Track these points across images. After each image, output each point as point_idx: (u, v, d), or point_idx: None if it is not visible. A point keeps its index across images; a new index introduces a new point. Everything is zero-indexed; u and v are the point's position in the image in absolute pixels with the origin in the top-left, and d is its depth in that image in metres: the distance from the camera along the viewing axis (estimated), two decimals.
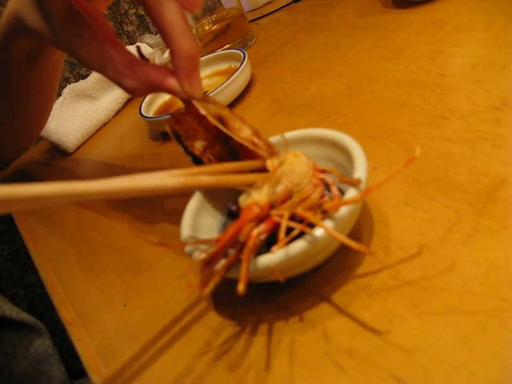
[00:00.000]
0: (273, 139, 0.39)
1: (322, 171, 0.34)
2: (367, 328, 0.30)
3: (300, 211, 0.30)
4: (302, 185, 0.32)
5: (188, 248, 0.33)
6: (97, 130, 0.85)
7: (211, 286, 0.28)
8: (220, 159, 0.39)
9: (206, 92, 0.39)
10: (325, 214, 0.30)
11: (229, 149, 0.39)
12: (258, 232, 0.29)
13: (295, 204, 0.31)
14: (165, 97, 0.72)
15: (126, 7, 1.02)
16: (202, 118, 0.37)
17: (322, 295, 0.33)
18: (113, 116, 0.87)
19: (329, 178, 0.33)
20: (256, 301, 0.35)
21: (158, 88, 0.38)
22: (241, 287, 0.27)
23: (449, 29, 0.54)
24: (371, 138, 0.44)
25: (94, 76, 0.86)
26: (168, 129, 0.38)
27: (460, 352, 0.26)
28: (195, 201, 0.39)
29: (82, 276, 0.51)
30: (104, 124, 0.86)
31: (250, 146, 0.36)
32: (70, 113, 0.84)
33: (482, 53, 0.48)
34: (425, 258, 0.32)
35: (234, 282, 0.29)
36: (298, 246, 0.29)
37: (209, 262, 0.29)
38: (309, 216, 0.29)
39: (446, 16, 0.57)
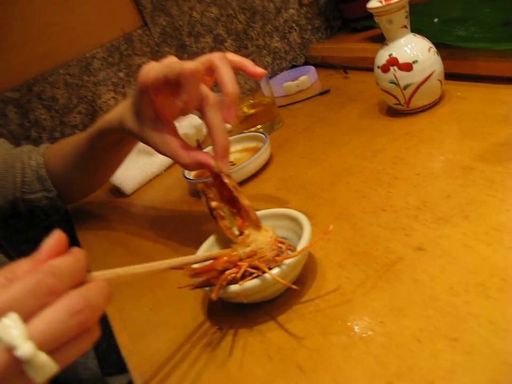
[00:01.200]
0: (260, 213, 0.60)
1: (281, 242, 0.54)
2: (291, 337, 0.49)
3: (256, 263, 0.50)
4: (264, 248, 0.52)
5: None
6: (151, 180, 1.07)
7: (216, 290, 0.50)
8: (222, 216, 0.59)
9: (233, 164, 0.61)
10: (275, 264, 0.50)
11: (232, 210, 0.59)
12: (230, 272, 0.50)
13: (254, 259, 0.51)
14: None
15: None
16: (222, 189, 0.58)
17: (273, 315, 0.52)
18: (164, 170, 1.09)
19: (283, 246, 0.53)
20: (230, 315, 0.55)
21: (202, 165, 0.59)
22: (213, 296, 0.49)
23: (415, 141, 0.73)
24: (335, 218, 0.64)
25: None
26: (200, 190, 0.60)
27: (336, 355, 0.44)
28: (204, 247, 0.60)
29: (121, 286, 0.71)
30: (157, 176, 1.08)
31: (250, 211, 0.56)
32: (132, 164, 1.06)
33: (427, 164, 0.67)
34: (338, 301, 0.51)
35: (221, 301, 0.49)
36: (253, 282, 0.50)
37: (194, 275, 0.52)
38: (261, 266, 0.49)
39: (417, 129, 0.76)
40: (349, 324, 0.47)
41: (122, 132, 0.69)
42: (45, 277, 0.35)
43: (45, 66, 1.13)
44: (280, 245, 0.53)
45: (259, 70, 0.65)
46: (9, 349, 0.32)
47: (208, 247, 0.60)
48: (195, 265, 0.54)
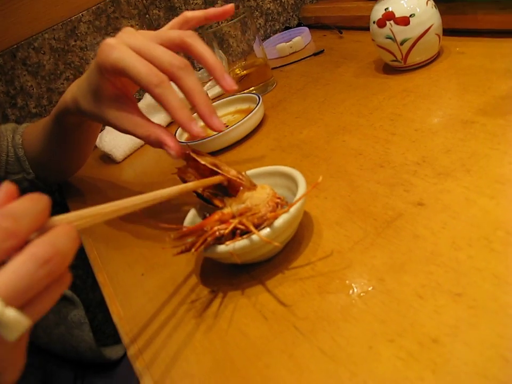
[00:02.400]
0: (253, 171, 0.57)
1: (279, 198, 0.51)
2: (287, 297, 0.47)
3: (244, 221, 0.47)
4: (259, 205, 0.49)
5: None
6: (142, 146, 1.05)
7: (198, 245, 0.47)
8: (214, 195, 0.56)
9: (226, 125, 0.58)
10: (268, 221, 0.48)
11: (220, 187, 0.56)
12: (218, 228, 0.47)
13: (246, 216, 0.48)
14: None
15: None
16: (199, 168, 0.55)
17: (268, 275, 0.50)
18: None
19: (280, 201, 0.51)
20: (224, 278, 0.53)
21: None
22: (193, 250, 0.47)
23: (412, 97, 0.71)
24: (330, 176, 0.61)
25: (144, 102, 1.05)
26: (179, 178, 0.57)
27: (335, 314, 0.43)
28: (191, 213, 0.57)
29: (113, 254, 0.69)
30: None
31: (238, 180, 0.53)
32: None
33: (425, 120, 0.64)
34: (335, 259, 0.49)
35: (214, 262, 0.46)
36: (244, 241, 0.47)
37: (180, 237, 0.49)
38: (248, 224, 0.47)
39: (414, 85, 0.74)
40: (347, 282, 0.46)
41: (79, 114, 0.66)
42: None
43: (28, 31, 1.09)
44: (277, 200, 0.50)
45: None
46: None
47: (193, 215, 0.58)
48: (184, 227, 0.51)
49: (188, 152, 0.55)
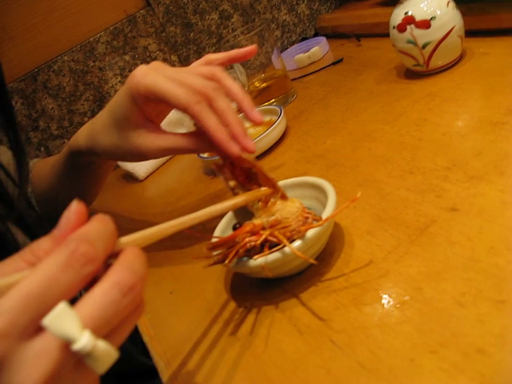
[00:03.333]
0: (280, 183, 0.56)
1: (308, 213, 0.50)
2: (322, 311, 0.45)
3: (276, 234, 0.47)
4: (289, 218, 0.48)
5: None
6: (164, 163, 1.04)
7: (231, 257, 0.47)
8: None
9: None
10: (299, 235, 0.47)
11: (250, 188, 0.55)
12: (249, 240, 0.46)
13: (277, 229, 0.47)
14: None
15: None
16: (233, 168, 0.55)
17: (301, 289, 0.49)
18: None
19: (310, 216, 0.50)
20: (254, 293, 0.52)
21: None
22: (226, 262, 0.46)
23: (437, 101, 0.69)
24: (358, 185, 0.60)
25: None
26: (216, 173, 0.57)
27: (372, 326, 0.41)
28: (223, 222, 0.57)
29: None
30: (170, 159, 1.05)
31: (276, 183, 0.52)
32: None
33: (452, 123, 0.63)
34: (369, 269, 0.47)
35: (243, 277, 0.45)
36: (276, 254, 0.46)
37: (213, 248, 0.48)
38: (281, 237, 0.46)
39: (439, 89, 0.72)
40: (383, 292, 0.44)
41: (93, 154, 0.66)
42: (76, 245, 0.30)
43: (48, 54, 1.10)
44: (307, 215, 0.49)
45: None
46: (65, 344, 0.28)
47: (226, 223, 0.57)
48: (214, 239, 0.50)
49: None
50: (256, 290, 0.52)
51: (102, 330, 0.29)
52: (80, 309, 0.29)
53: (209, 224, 0.65)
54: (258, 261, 0.47)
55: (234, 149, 0.53)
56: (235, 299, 0.54)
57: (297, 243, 0.47)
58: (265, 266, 0.46)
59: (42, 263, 0.30)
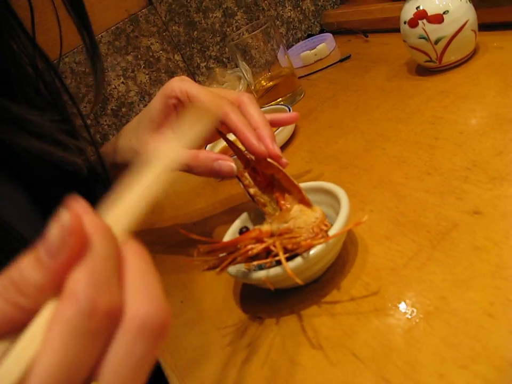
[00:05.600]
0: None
1: (326, 225, 0.47)
2: (341, 322, 0.43)
3: (278, 243, 0.44)
4: (303, 229, 0.46)
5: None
6: None
7: (222, 266, 0.44)
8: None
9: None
10: (303, 249, 0.44)
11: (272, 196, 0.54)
12: (251, 247, 0.44)
13: (284, 238, 0.45)
14: (223, 143, 0.88)
15: (198, 61, 1.20)
16: (255, 174, 0.53)
17: (317, 299, 0.47)
18: None
19: (323, 231, 0.47)
20: (268, 303, 0.50)
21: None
22: (218, 270, 0.44)
23: (452, 98, 0.67)
24: (374, 187, 0.58)
25: None
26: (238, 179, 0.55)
27: (396, 339, 0.39)
28: (235, 225, 0.55)
29: None
30: None
31: (301, 189, 0.50)
32: None
33: (469, 121, 0.61)
34: (390, 277, 0.45)
35: (254, 288, 0.43)
36: (277, 269, 0.44)
37: (209, 252, 0.45)
38: (279, 249, 0.44)
39: (453, 85, 0.70)
40: (406, 302, 0.42)
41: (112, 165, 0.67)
42: (93, 301, 0.22)
43: (50, 57, 1.07)
44: (324, 227, 0.47)
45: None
46: None
47: (240, 224, 0.55)
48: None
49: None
50: (270, 299, 0.50)
51: None
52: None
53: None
54: (259, 274, 0.45)
55: (262, 148, 0.52)
56: (248, 308, 0.51)
57: (298, 260, 0.44)
58: (267, 280, 0.44)
59: (52, 337, 0.22)
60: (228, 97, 0.58)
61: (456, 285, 0.41)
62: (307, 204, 0.49)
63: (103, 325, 0.23)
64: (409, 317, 0.40)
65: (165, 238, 0.76)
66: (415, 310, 0.41)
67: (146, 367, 0.24)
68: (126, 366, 0.23)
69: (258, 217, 0.54)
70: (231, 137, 0.57)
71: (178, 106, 0.59)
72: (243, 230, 0.52)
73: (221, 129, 0.62)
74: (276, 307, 0.49)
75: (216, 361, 0.47)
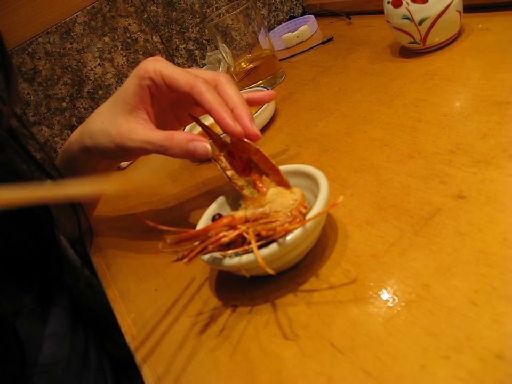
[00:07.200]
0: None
1: (305, 207, 0.45)
2: (319, 310, 0.41)
3: (251, 231, 0.42)
4: (280, 212, 0.44)
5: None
6: None
7: (191, 257, 0.42)
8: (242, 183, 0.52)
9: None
10: (279, 234, 0.42)
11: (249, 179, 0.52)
12: (223, 235, 0.42)
13: (259, 224, 0.42)
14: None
15: (177, 43, 1.17)
16: (232, 158, 0.51)
17: (294, 286, 0.45)
18: None
19: (307, 211, 0.45)
20: (244, 291, 0.48)
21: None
22: (185, 260, 0.42)
23: (436, 80, 0.65)
24: (355, 170, 0.56)
25: None
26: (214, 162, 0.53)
27: (377, 328, 0.37)
28: (209, 211, 0.53)
29: (124, 267, 0.64)
30: None
31: (279, 170, 0.48)
32: None
33: (453, 104, 0.59)
34: (371, 264, 0.43)
35: (230, 275, 0.41)
36: (248, 256, 0.42)
37: (178, 242, 0.43)
38: (251, 236, 0.41)
39: (437, 67, 0.68)
40: (387, 289, 0.40)
41: (82, 149, 0.65)
42: None
43: (21, 36, 1.04)
44: (303, 210, 0.44)
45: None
46: None
47: (217, 208, 0.53)
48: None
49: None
50: (246, 287, 0.48)
51: None
52: None
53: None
54: (232, 260, 0.43)
55: (238, 128, 0.50)
56: (224, 297, 0.49)
57: (272, 246, 0.42)
58: (241, 267, 0.42)
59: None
60: (204, 76, 0.55)
61: (439, 272, 0.39)
62: (286, 185, 0.47)
63: None
64: (391, 305, 0.39)
65: (141, 223, 0.74)
66: (396, 298, 0.39)
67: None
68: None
69: (237, 200, 0.52)
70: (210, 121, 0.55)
71: (152, 87, 0.56)
72: (216, 217, 0.50)
73: (196, 111, 0.60)
74: (251, 295, 0.47)
75: (190, 352, 0.45)
